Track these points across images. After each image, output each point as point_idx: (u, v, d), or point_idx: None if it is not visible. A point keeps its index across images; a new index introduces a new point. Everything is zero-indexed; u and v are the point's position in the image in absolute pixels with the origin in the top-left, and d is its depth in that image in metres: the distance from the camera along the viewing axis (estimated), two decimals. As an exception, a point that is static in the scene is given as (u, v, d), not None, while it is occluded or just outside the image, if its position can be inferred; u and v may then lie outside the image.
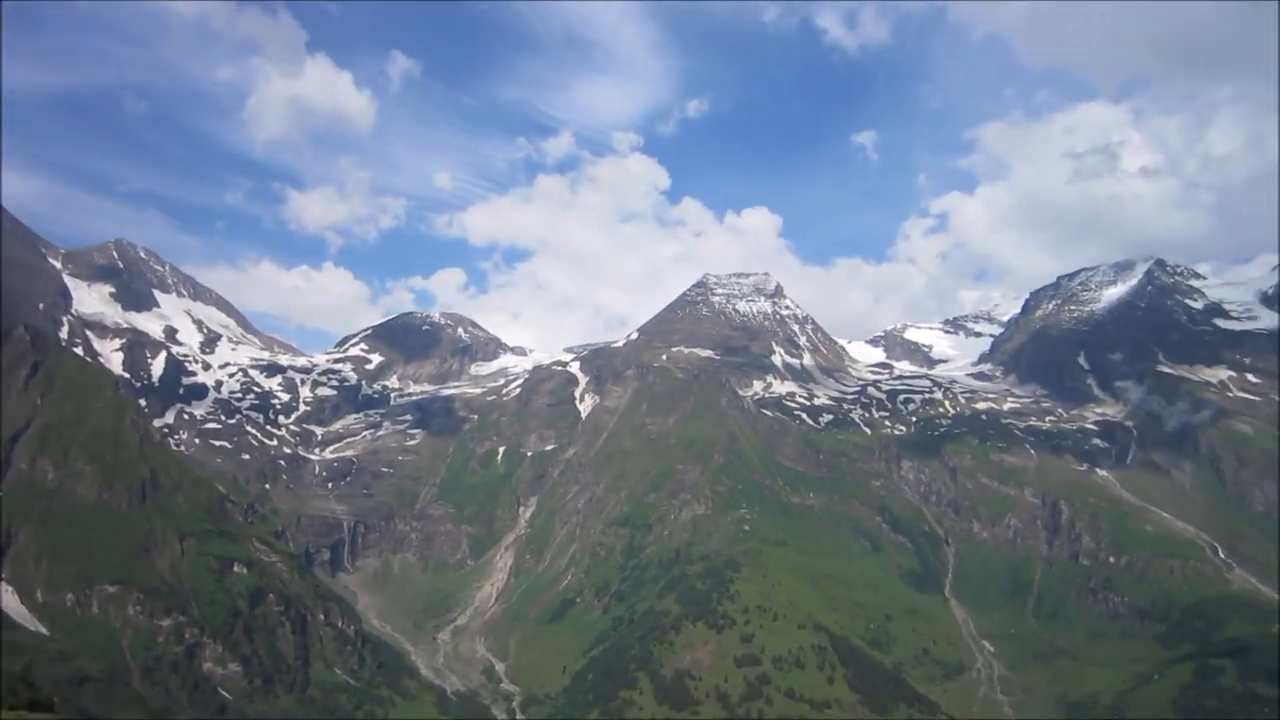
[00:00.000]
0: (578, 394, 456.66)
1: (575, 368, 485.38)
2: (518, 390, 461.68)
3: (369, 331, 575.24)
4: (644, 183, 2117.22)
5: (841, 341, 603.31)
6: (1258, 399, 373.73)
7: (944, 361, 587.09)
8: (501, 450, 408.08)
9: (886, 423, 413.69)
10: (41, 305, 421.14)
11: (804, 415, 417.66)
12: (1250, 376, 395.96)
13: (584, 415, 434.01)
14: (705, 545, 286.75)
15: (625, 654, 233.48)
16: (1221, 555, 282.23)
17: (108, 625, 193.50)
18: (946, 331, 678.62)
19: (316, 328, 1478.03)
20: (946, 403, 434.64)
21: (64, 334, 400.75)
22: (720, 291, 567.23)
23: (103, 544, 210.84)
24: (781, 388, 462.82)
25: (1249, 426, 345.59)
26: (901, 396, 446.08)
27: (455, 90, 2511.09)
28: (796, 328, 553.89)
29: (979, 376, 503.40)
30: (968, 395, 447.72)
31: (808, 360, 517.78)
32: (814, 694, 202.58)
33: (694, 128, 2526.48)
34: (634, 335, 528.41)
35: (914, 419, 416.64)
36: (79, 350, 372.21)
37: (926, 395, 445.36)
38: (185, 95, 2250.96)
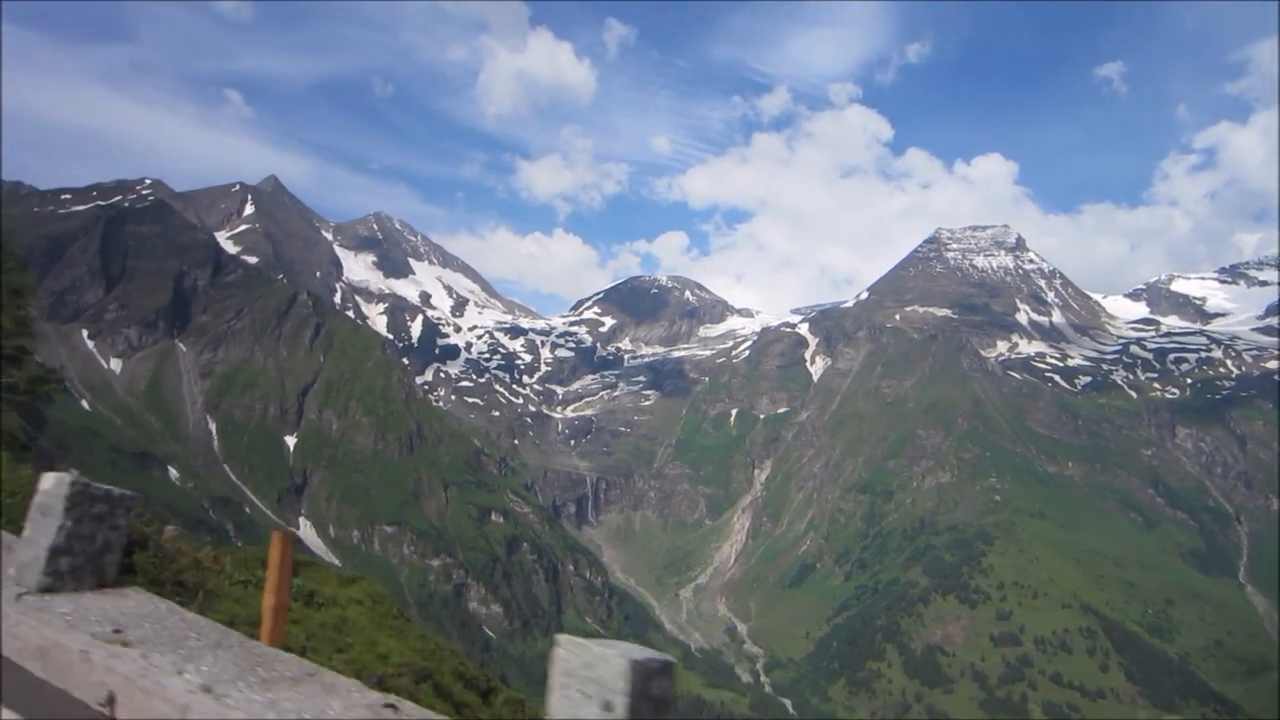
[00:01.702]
0: (808, 356, 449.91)
1: (804, 329, 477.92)
2: (747, 352, 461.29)
3: (600, 295, 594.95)
4: (864, 135, 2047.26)
5: (1095, 296, 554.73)
6: None
7: (1221, 315, 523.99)
8: (734, 412, 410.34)
9: (1155, 385, 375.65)
10: (318, 274, 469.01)
11: (1057, 377, 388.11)
12: None
13: (815, 378, 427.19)
14: (952, 515, 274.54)
15: (871, 624, 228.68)
16: None
17: (387, 561, 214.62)
18: (1223, 281, 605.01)
19: (551, 292, 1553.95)
20: (1228, 362, 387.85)
21: (338, 299, 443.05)
22: (955, 246, 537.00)
23: (380, 488, 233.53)
24: (1029, 348, 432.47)
25: None
26: (1172, 356, 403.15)
27: (669, 54, 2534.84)
28: (1043, 283, 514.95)
29: (1266, 331, 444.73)
30: (1255, 353, 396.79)
31: (1057, 317, 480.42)
32: (1085, 681, 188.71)
33: (916, 74, 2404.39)
34: (863, 295, 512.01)
35: (1188, 381, 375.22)
36: (350, 314, 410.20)
37: (1203, 354, 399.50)
38: (424, 76, 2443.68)
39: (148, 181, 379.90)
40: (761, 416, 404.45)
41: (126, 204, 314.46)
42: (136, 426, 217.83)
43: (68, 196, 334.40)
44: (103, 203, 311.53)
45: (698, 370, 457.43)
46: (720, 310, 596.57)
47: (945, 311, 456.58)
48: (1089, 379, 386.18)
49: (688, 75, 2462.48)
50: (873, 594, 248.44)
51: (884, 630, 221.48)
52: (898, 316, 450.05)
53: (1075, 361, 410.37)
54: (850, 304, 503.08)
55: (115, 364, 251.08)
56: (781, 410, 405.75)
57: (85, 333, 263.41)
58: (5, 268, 30.91)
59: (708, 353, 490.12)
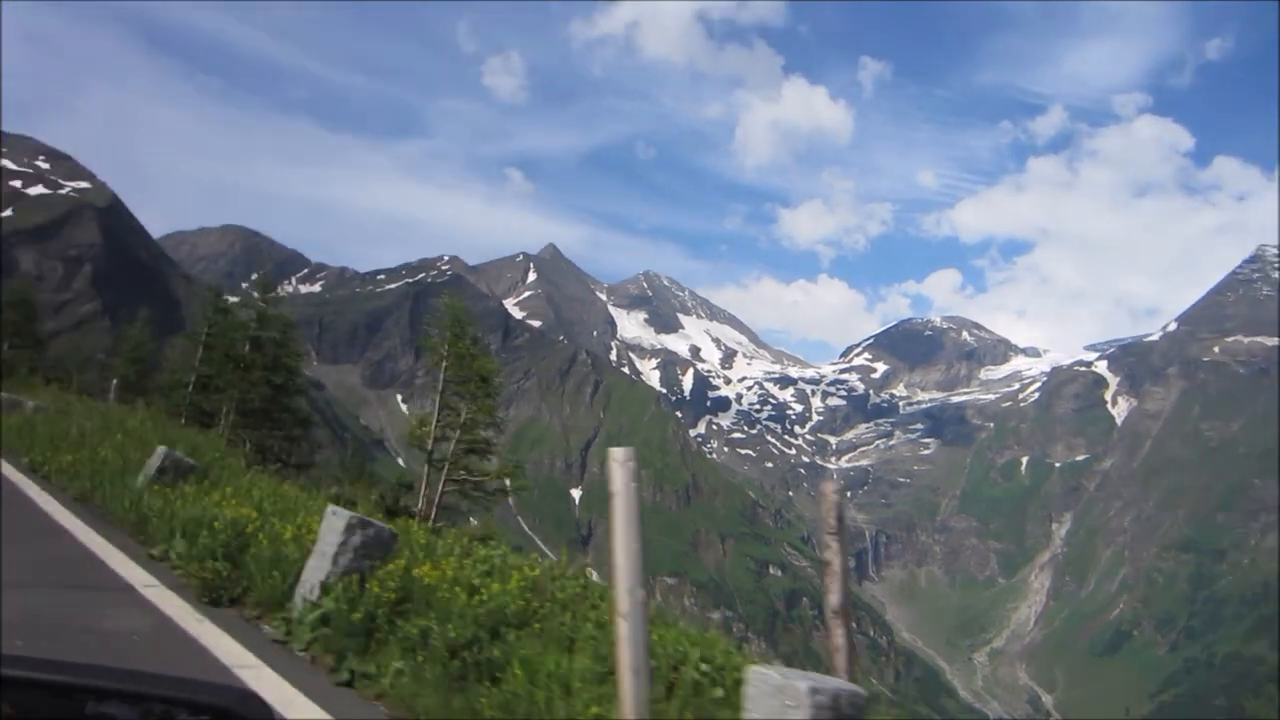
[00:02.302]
0: (1108, 396, 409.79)
1: (1101, 367, 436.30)
2: (1036, 394, 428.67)
3: (870, 340, 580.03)
4: (1159, 147, 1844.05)
5: None
6: None
7: None
8: (1024, 460, 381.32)
9: None
10: (595, 333, 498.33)
11: None
12: None
13: (1119, 420, 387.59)
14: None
15: (1207, 704, 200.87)
16: None
17: (669, 613, 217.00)
18: None
19: (818, 339, 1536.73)
20: None
21: (613, 356, 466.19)
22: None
23: (660, 540, 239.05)
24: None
25: None
26: None
27: (928, 85, 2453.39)
28: None
29: None
30: None
31: None
32: None
33: (1217, 72, 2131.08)
34: (1171, 326, 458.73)
35: None
36: (625, 370, 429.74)
37: None
38: (684, 136, 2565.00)
39: (446, 258, 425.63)
40: (1057, 465, 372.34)
41: (429, 280, 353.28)
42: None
43: (382, 277, 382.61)
44: (410, 280, 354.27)
45: (981, 415, 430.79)
46: (1002, 350, 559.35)
47: (1276, 340, 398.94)
48: None
49: (950, 105, 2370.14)
50: (1206, 669, 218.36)
51: (1225, 713, 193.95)
52: (1216, 349, 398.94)
53: None
54: (1156, 337, 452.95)
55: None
56: (1080, 457, 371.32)
57: (399, 397, 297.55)
58: (471, 352, 29.52)
59: (991, 396, 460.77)
